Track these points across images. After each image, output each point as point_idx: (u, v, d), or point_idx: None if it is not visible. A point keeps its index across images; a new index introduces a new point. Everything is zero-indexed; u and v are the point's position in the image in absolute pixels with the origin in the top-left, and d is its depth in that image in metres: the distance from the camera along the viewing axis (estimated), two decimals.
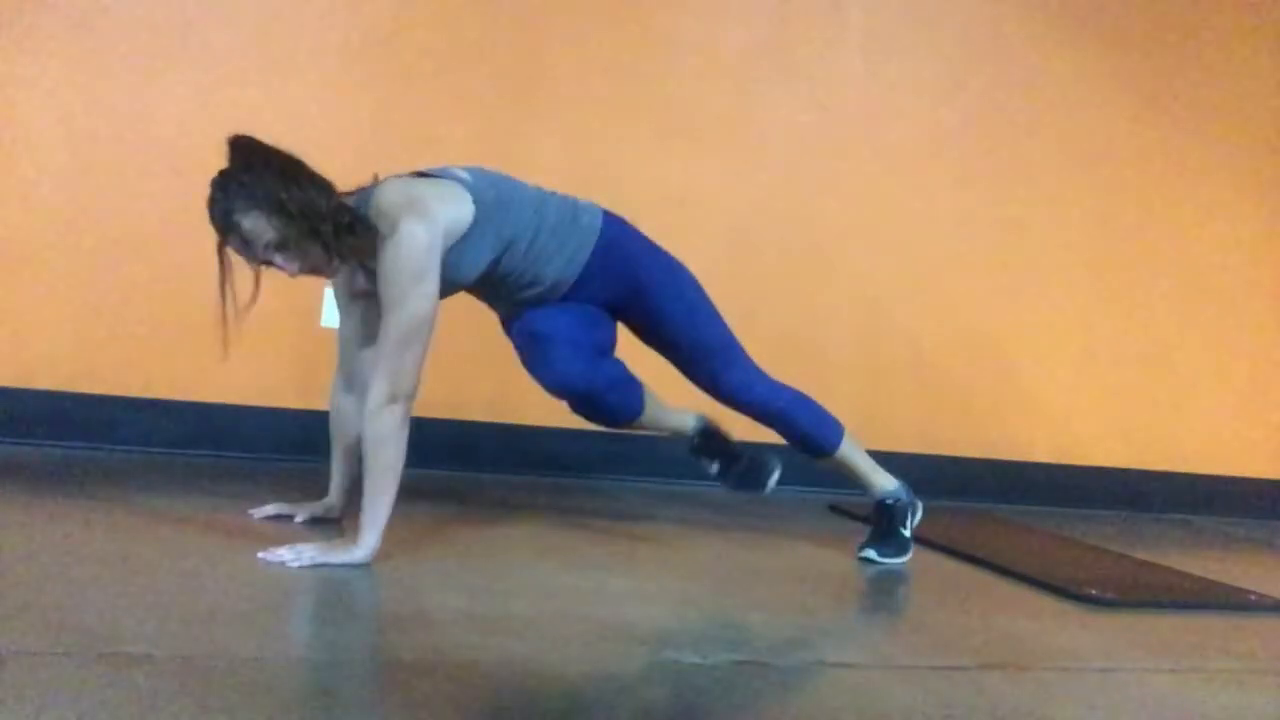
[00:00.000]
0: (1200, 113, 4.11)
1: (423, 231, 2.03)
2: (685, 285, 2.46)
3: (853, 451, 2.56)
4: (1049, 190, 3.95)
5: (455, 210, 2.13)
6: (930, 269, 3.81)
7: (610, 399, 2.38)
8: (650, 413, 2.50)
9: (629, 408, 2.43)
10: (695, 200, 3.52)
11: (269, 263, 2.04)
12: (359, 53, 3.23)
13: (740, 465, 2.61)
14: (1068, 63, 3.94)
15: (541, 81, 3.39)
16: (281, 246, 2.00)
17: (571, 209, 2.34)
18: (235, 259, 2.05)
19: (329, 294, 3.07)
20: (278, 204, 1.97)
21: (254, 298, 2.03)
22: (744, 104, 3.60)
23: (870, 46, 3.73)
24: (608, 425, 2.48)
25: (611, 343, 2.45)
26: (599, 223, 2.36)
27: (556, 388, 2.34)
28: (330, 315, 3.07)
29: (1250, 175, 4.19)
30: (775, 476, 2.58)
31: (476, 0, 3.33)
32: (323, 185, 2.05)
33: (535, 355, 2.34)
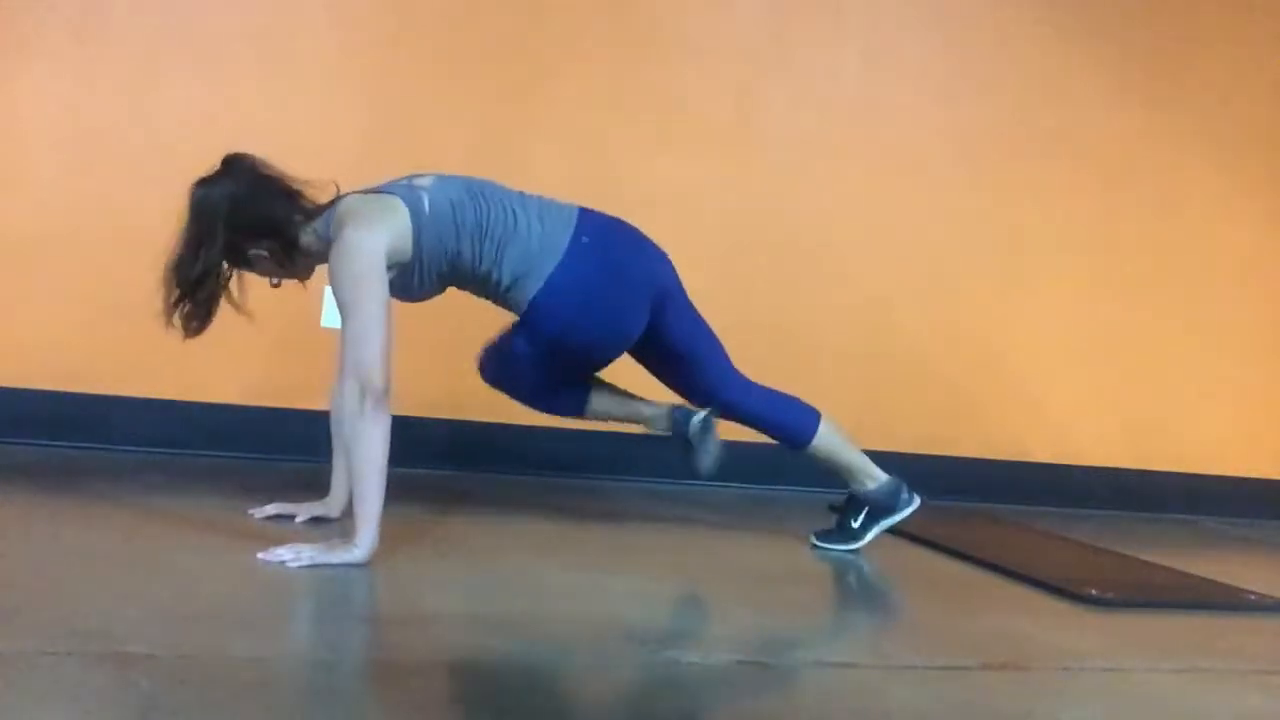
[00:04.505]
0: (1202, 112, 4.11)
1: (361, 237, 2.11)
2: (622, 317, 2.42)
3: (833, 442, 2.58)
4: (1049, 190, 3.94)
5: (395, 229, 2.17)
6: (930, 269, 3.81)
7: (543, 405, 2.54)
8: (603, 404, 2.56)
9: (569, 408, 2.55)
10: (695, 200, 3.52)
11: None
12: (359, 54, 3.23)
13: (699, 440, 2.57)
14: (1068, 63, 3.93)
15: (541, 81, 3.39)
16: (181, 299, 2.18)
17: (537, 241, 2.29)
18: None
19: (329, 294, 3.07)
20: (183, 268, 2.16)
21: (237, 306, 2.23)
22: (744, 104, 3.60)
23: (870, 46, 3.73)
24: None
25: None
26: (558, 261, 2.29)
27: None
28: (330, 315, 3.07)
29: (1252, 175, 4.18)
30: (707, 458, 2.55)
31: (477, 1, 3.33)
32: (243, 249, 2.19)
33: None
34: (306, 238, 2.21)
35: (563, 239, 2.30)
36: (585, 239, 2.32)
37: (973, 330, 3.86)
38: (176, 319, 2.16)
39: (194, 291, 2.15)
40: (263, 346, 3.11)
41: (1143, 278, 4.07)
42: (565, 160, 3.34)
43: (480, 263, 2.28)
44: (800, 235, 3.66)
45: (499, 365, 2.47)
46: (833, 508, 2.67)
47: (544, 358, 2.39)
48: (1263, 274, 4.23)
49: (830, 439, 2.57)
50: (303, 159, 2.21)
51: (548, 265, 2.29)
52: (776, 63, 3.63)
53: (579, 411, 2.55)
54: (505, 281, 2.29)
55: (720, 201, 3.56)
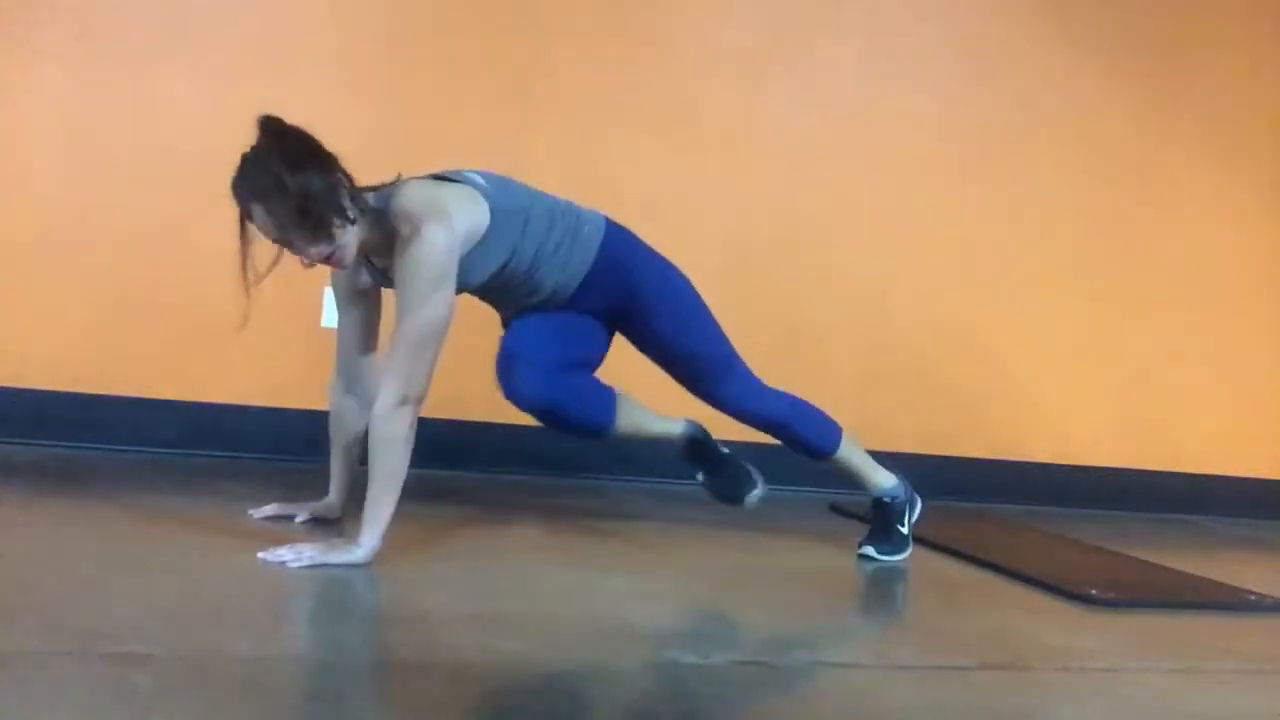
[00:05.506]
0: (1201, 112, 4.11)
1: (444, 236, 2.04)
2: (681, 298, 2.45)
3: (851, 452, 2.56)
4: (1049, 190, 3.94)
5: (473, 217, 2.14)
6: (930, 269, 3.81)
7: (572, 411, 2.34)
8: (628, 421, 2.44)
9: (595, 418, 2.39)
10: (694, 200, 3.52)
11: (283, 243, 2.02)
12: (360, 53, 3.23)
13: (723, 477, 2.62)
14: (1069, 62, 3.93)
15: (541, 81, 3.39)
16: (284, 230, 1.98)
17: (575, 220, 2.34)
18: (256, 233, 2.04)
19: (329, 294, 3.07)
20: (283, 191, 1.94)
21: (274, 262, 2.03)
22: (744, 104, 3.60)
23: (870, 47, 3.73)
24: (581, 437, 2.43)
25: (592, 358, 2.43)
26: (600, 236, 2.35)
27: (516, 402, 2.31)
28: (331, 315, 3.07)
29: (1251, 174, 4.18)
30: (755, 494, 2.59)
31: (477, 1, 3.33)
32: (330, 172, 2.01)
33: (500, 371, 2.33)
34: (362, 201, 2.08)
35: (597, 235, 2.36)
36: (616, 231, 2.41)
37: (973, 330, 3.86)
38: (301, 244, 1.96)
39: (323, 200, 1.95)
40: (263, 346, 3.11)
41: (1143, 278, 4.07)
42: (565, 160, 3.34)
43: (550, 218, 2.27)
44: (800, 235, 3.66)
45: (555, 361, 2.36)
46: (834, 509, 2.67)
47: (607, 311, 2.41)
48: (1263, 273, 4.22)
49: (847, 447, 2.55)
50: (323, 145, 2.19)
51: (598, 220, 2.37)
52: (776, 63, 3.63)
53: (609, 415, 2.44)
54: (571, 230, 2.29)
55: (720, 201, 3.56)
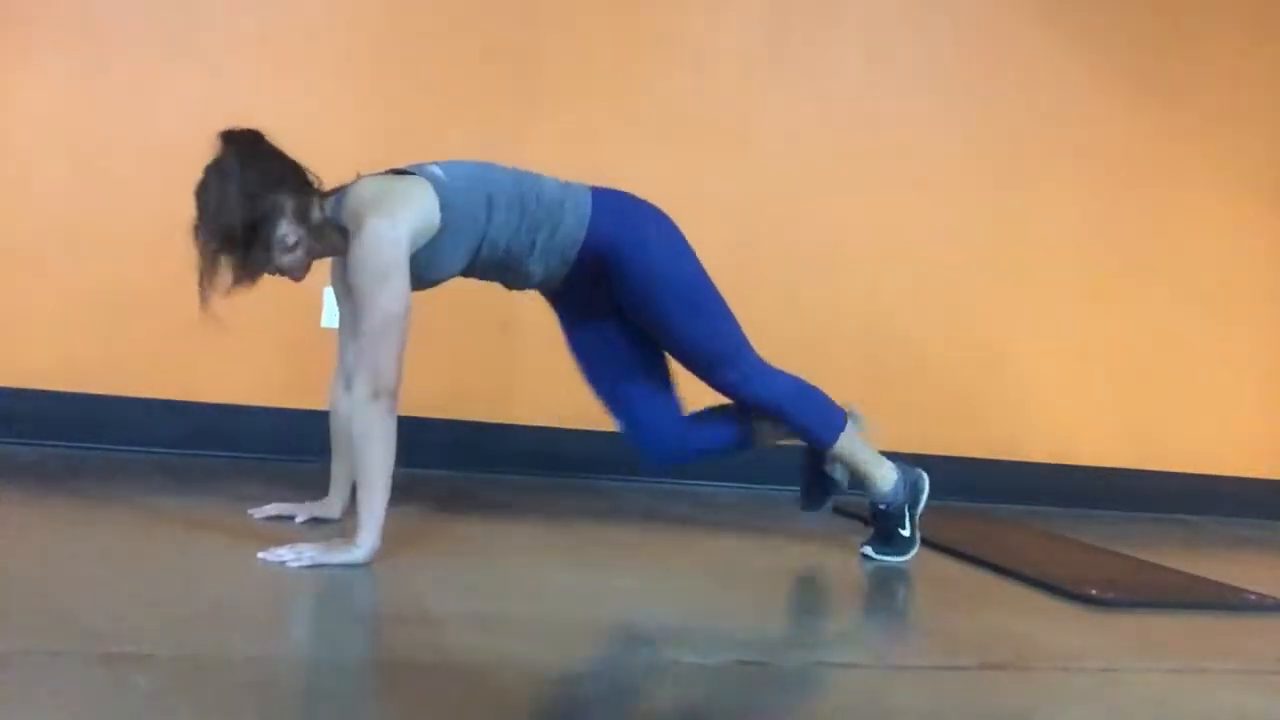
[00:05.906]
0: (1202, 112, 4.11)
1: (386, 230, 2.04)
2: (679, 285, 2.39)
3: (852, 446, 2.53)
4: (1050, 190, 3.94)
5: (422, 209, 2.12)
6: (931, 269, 3.81)
7: (717, 449, 2.55)
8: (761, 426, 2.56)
9: (738, 443, 2.57)
10: (694, 201, 3.49)
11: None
12: (359, 54, 3.23)
13: (811, 476, 2.66)
14: (1069, 62, 3.93)
15: (541, 81, 3.39)
16: (225, 252, 2.00)
17: (557, 209, 2.29)
18: None
19: (329, 294, 3.07)
20: (209, 226, 1.98)
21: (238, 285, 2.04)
22: (744, 104, 3.60)
23: (870, 46, 3.73)
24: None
25: (665, 359, 2.52)
26: (585, 224, 2.30)
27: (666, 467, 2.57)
28: (330, 315, 3.07)
29: (1251, 175, 4.18)
30: (823, 506, 2.68)
31: (477, 1, 3.33)
32: (262, 199, 2.01)
33: (640, 455, 2.51)
34: (316, 212, 2.09)
35: (583, 220, 2.31)
36: (604, 210, 2.35)
37: (973, 330, 3.86)
38: (223, 275, 1.99)
39: (249, 237, 1.98)
40: (263, 346, 3.11)
41: (1144, 277, 4.07)
42: (564, 161, 3.32)
43: (520, 206, 2.23)
44: (800, 235, 3.66)
45: (635, 409, 2.47)
46: (835, 509, 2.67)
47: (639, 316, 2.40)
48: (1263, 274, 4.22)
49: (847, 441, 2.53)
50: (302, 158, 2.20)
51: (584, 201, 2.32)
52: (776, 63, 3.63)
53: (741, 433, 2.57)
54: (549, 219, 2.26)
55: (720, 202, 3.55)
